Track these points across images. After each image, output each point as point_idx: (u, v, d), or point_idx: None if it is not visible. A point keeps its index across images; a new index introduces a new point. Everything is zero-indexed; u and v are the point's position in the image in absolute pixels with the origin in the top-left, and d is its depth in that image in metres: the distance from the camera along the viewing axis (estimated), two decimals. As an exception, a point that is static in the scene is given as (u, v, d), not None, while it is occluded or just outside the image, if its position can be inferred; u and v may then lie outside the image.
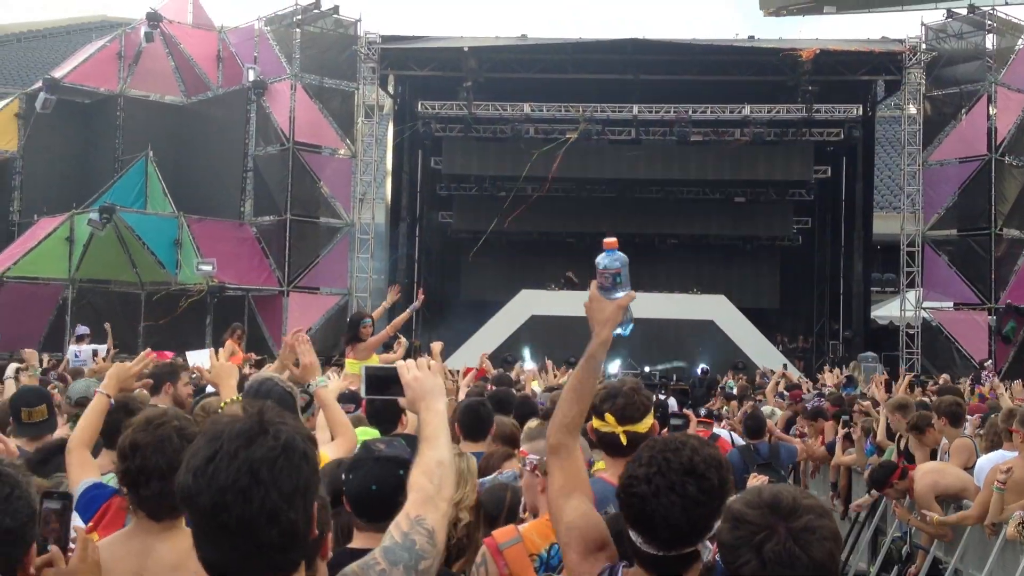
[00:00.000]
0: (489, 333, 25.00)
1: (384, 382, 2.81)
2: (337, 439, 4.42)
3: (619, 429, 3.82)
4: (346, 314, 24.97)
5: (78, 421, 4.19)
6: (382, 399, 3.46)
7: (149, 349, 5.06)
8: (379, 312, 10.16)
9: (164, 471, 2.92)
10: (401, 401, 2.75)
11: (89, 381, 6.01)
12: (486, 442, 5.16)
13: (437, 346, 9.62)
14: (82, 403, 5.41)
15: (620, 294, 2.87)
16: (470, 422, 5.26)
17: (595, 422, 3.83)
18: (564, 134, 27.82)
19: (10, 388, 7.63)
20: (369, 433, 4.83)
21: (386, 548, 2.27)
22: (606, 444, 3.91)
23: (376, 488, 3.06)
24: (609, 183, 29.08)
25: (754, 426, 9.44)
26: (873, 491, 8.60)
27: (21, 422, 5.01)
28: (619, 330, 2.90)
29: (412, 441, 3.57)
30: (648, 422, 3.89)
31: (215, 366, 4.64)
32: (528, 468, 3.73)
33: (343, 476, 3.17)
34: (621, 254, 2.88)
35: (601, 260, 2.87)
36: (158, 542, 2.95)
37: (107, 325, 12.94)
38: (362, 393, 3.03)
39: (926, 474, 7.94)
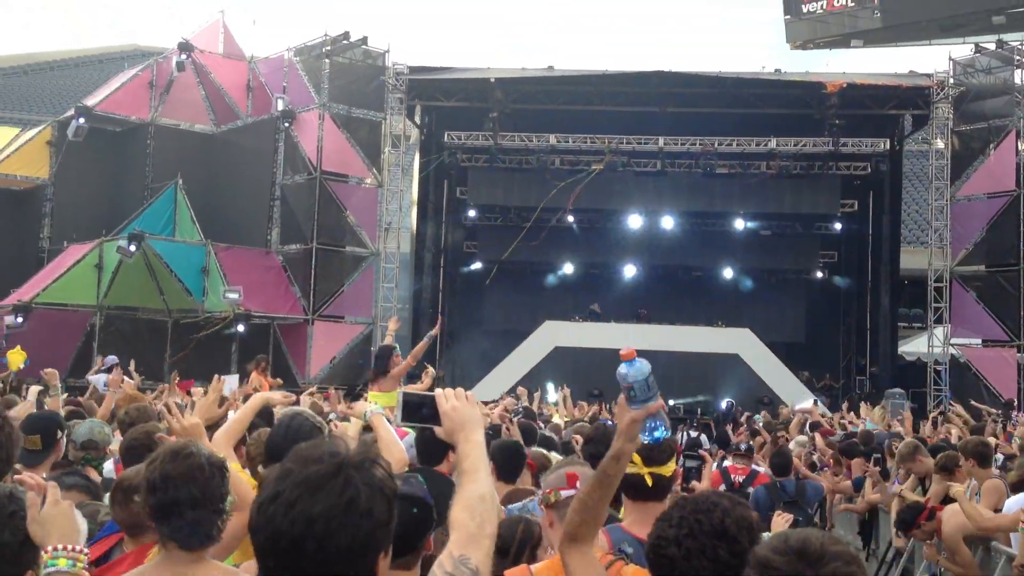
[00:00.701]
0: (512, 364, 24.98)
1: (421, 409, 2.74)
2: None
3: (644, 470, 3.81)
4: (370, 343, 25.05)
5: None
6: (421, 427, 3.39)
7: (218, 376, 5.11)
8: (387, 341, 10.12)
9: (198, 500, 2.97)
10: (437, 430, 2.71)
11: (93, 423, 6.00)
12: (519, 481, 5.13)
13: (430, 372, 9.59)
14: (88, 446, 5.43)
15: (640, 406, 2.77)
16: (504, 461, 5.24)
17: None
18: (590, 165, 27.92)
19: (28, 411, 7.66)
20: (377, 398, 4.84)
21: None
22: (629, 486, 3.90)
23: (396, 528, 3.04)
24: (634, 215, 29.06)
25: (780, 463, 9.39)
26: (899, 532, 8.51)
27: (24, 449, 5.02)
28: (645, 438, 2.85)
29: (431, 476, 3.56)
30: (672, 466, 3.87)
31: (182, 424, 4.53)
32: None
33: None
34: (640, 364, 2.77)
35: (619, 372, 2.77)
36: (188, 572, 2.95)
37: (132, 365, 12.99)
38: (397, 419, 2.97)
39: (954, 515, 7.83)
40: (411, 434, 5.65)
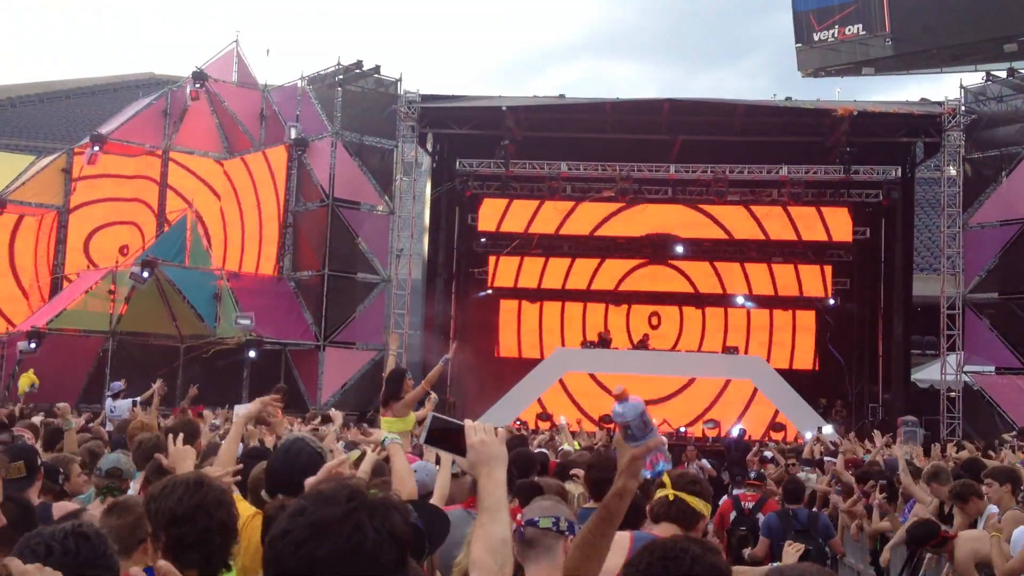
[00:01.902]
0: (524, 391, 24.93)
1: (448, 435, 2.71)
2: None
3: (671, 492, 3.86)
4: (381, 369, 25.03)
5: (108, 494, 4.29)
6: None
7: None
8: (390, 364, 10.01)
9: (227, 527, 3.06)
10: (460, 461, 2.69)
11: (120, 454, 6.03)
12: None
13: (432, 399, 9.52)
14: (112, 474, 5.46)
15: (640, 443, 2.75)
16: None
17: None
18: (601, 193, 27.99)
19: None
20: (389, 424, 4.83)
21: None
22: (655, 513, 3.95)
23: None
24: (645, 242, 29.08)
25: (794, 491, 9.33)
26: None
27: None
28: (648, 474, 2.83)
29: (422, 506, 3.55)
30: (701, 505, 3.91)
31: (172, 452, 4.62)
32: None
33: None
34: (634, 403, 2.74)
35: (614, 411, 2.77)
36: None
37: (156, 384, 13.00)
38: (421, 439, 2.95)
39: (967, 542, 7.73)
40: (419, 461, 5.64)
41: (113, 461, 5.64)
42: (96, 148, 26.04)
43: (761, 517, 9.55)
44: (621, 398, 2.73)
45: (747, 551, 9.35)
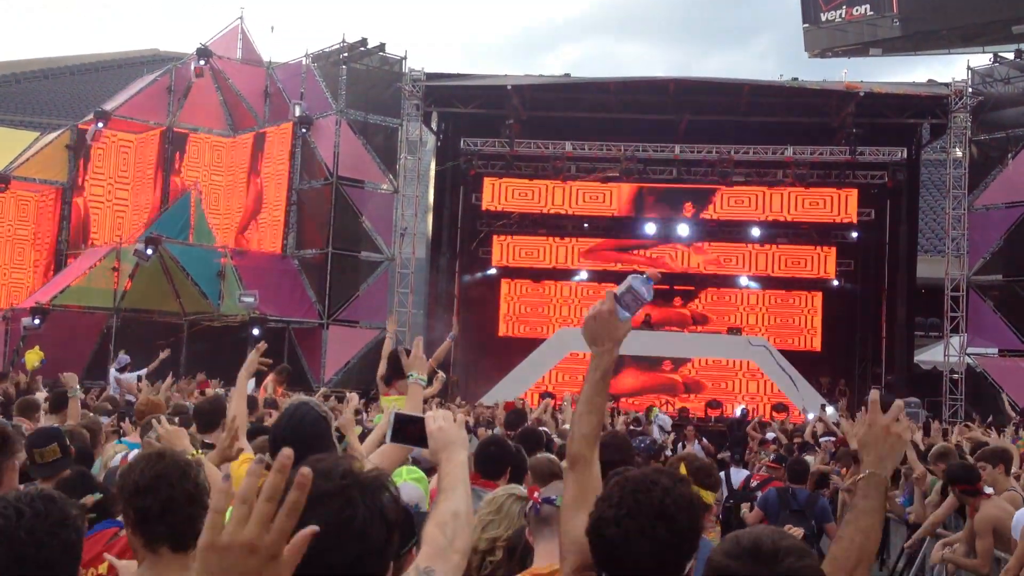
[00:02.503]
0: (526, 370, 24.97)
1: (411, 430, 2.80)
2: (382, 452, 4.45)
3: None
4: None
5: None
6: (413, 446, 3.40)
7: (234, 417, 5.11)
8: (387, 345, 9.94)
9: (192, 497, 3.00)
10: (424, 452, 2.75)
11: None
12: (502, 480, 5.12)
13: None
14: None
15: (631, 316, 2.85)
16: (483, 462, 5.23)
17: None
18: (605, 172, 27.94)
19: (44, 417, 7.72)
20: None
21: None
22: None
23: None
24: (650, 222, 29.06)
25: (797, 470, 9.39)
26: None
27: (35, 463, 5.03)
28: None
29: None
30: (709, 497, 3.96)
31: (163, 433, 4.62)
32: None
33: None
34: (649, 287, 2.86)
35: (637, 284, 2.83)
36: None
37: (163, 353, 13.03)
38: (387, 438, 3.01)
39: (994, 507, 7.69)
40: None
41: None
42: (100, 125, 26.03)
43: (759, 495, 9.60)
44: (654, 278, 2.86)
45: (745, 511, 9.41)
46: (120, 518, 4.07)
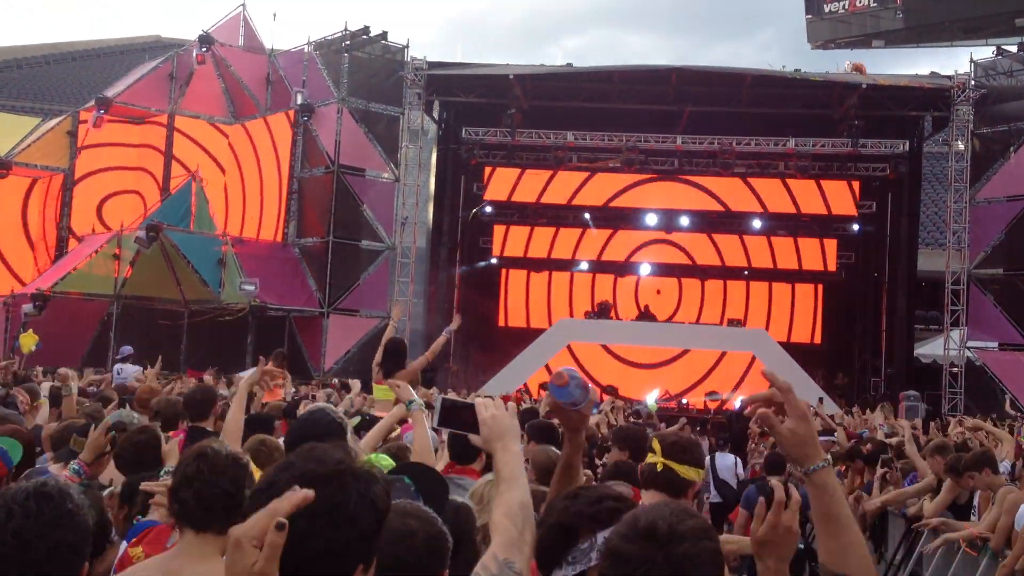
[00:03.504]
0: (526, 360, 24.98)
1: (459, 415, 2.77)
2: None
3: (660, 460, 3.87)
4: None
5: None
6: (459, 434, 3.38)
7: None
8: (388, 333, 9.92)
9: (203, 474, 3.07)
10: (474, 438, 2.73)
11: (124, 412, 6.08)
12: (477, 464, 5.10)
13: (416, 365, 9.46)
14: (118, 428, 5.51)
15: (581, 404, 2.85)
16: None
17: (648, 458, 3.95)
18: (607, 163, 27.91)
19: (44, 409, 7.73)
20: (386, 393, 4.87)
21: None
22: (644, 479, 3.97)
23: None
24: (651, 213, 29.05)
25: (774, 462, 9.49)
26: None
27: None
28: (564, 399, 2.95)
29: (424, 474, 3.58)
30: (692, 474, 3.91)
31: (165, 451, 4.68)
32: None
33: None
34: (573, 383, 2.84)
35: (559, 396, 2.83)
36: (190, 565, 2.95)
37: (159, 361, 13.08)
38: (434, 423, 2.99)
39: (1017, 496, 7.72)
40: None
41: (118, 416, 5.67)
42: (101, 111, 25.98)
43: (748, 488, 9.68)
44: (563, 384, 2.82)
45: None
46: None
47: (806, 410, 2.41)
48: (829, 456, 2.40)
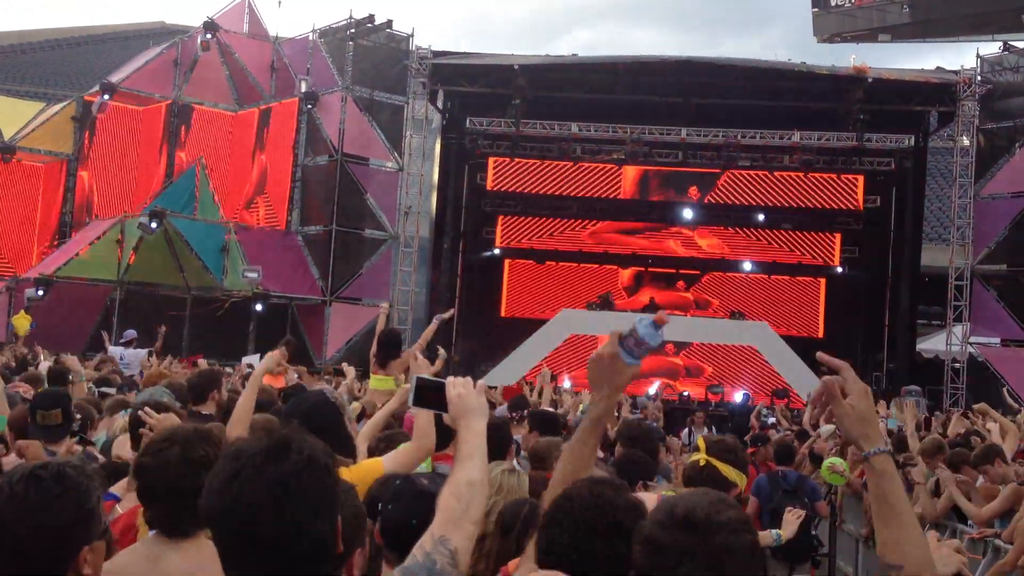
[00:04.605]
0: (528, 351, 24.98)
1: (431, 394, 2.76)
2: (411, 444, 4.46)
3: (703, 457, 3.84)
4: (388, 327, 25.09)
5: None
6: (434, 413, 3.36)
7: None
8: (380, 323, 10.05)
9: (165, 495, 2.97)
10: (445, 417, 2.74)
11: (155, 390, 6.09)
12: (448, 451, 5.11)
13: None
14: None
15: (637, 363, 2.68)
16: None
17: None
18: (611, 155, 27.86)
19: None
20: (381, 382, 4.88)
21: (405, 568, 2.25)
22: (685, 477, 3.95)
23: (416, 524, 2.85)
24: (654, 206, 29.02)
25: (783, 453, 9.50)
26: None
27: (37, 424, 5.11)
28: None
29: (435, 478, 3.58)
30: (734, 475, 3.84)
31: (154, 423, 4.58)
32: None
33: (381, 506, 3.08)
34: (661, 333, 2.64)
35: (646, 332, 2.63)
36: (171, 551, 2.94)
37: (162, 329, 13.13)
38: (410, 402, 2.99)
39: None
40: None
41: (146, 397, 5.66)
42: (106, 96, 25.96)
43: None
44: (660, 323, 2.65)
45: None
46: (114, 490, 4.10)
47: (866, 387, 2.34)
48: (889, 441, 2.35)
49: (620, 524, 2.29)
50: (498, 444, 5.21)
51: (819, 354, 2.41)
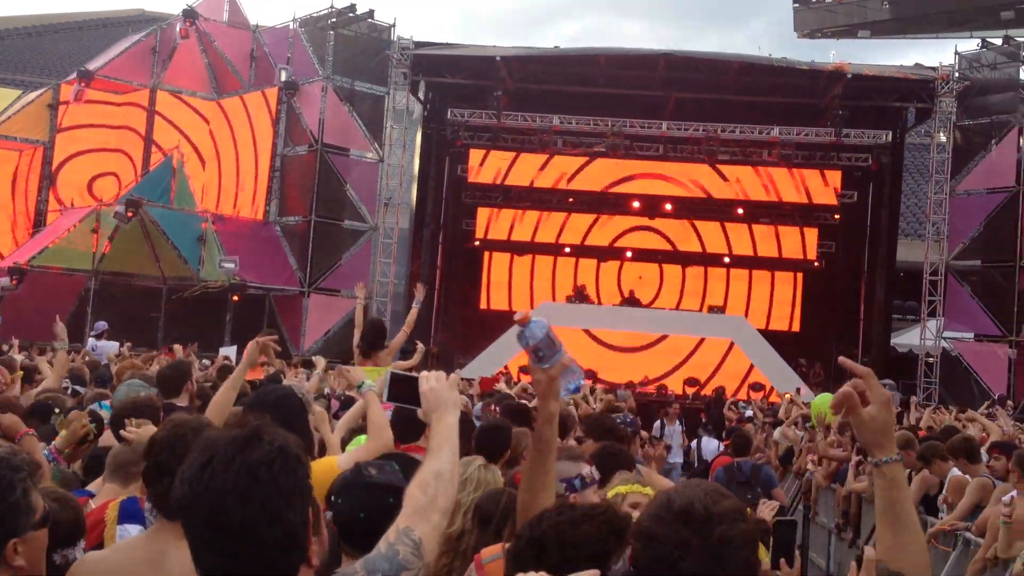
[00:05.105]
0: (507, 343, 24.96)
1: (405, 389, 2.78)
2: (369, 441, 4.47)
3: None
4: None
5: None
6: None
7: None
8: (358, 312, 10.08)
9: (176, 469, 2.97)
10: (419, 411, 2.75)
11: (131, 384, 6.05)
12: (423, 441, 5.11)
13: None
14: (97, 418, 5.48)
15: (552, 362, 2.75)
16: (397, 424, 5.18)
17: None
18: (592, 147, 27.88)
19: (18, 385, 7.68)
20: (369, 373, 4.89)
21: (368, 559, 2.25)
22: None
23: (364, 516, 2.93)
24: (634, 199, 29.07)
25: (740, 443, 9.63)
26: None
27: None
28: (565, 394, 2.84)
29: (407, 463, 3.58)
30: (763, 554, 3.68)
31: (133, 437, 4.49)
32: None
33: (330, 498, 3.07)
34: (537, 323, 2.73)
35: (519, 337, 2.74)
36: (173, 548, 2.89)
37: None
38: (384, 397, 3.00)
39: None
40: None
41: (126, 392, 5.65)
42: (83, 84, 25.73)
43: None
44: (523, 322, 2.73)
45: None
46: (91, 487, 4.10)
47: (889, 397, 2.35)
48: (900, 452, 2.35)
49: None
50: (499, 446, 5.21)
51: (841, 359, 2.52)
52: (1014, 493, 7.04)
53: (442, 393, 2.67)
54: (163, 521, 3.01)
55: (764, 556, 3.45)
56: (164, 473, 2.99)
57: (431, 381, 2.70)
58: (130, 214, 22.19)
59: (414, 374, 2.81)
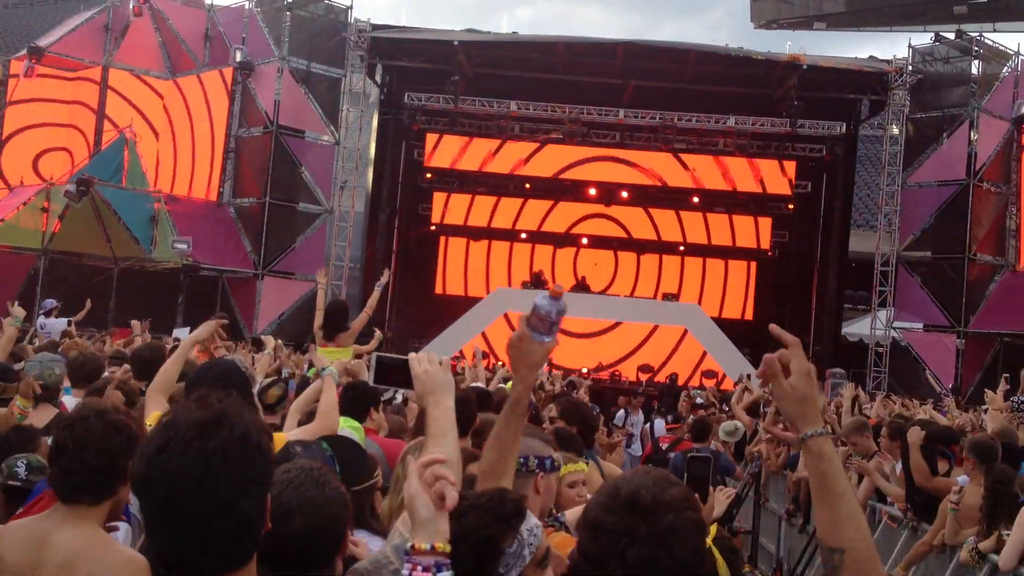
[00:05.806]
0: (461, 328, 24.97)
1: (393, 372, 2.77)
2: (316, 421, 4.46)
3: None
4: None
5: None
6: (391, 387, 3.34)
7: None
8: (320, 297, 9.97)
9: (68, 449, 2.96)
10: (409, 394, 2.72)
11: (43, 357, 5.93)
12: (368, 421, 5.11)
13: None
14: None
15: (548, 339, 2.73)
16: (349, 400, 5.16)
17: None
18: (548, 134, 27.89)
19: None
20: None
21: (397, 546, 2.22)
22: None
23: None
24: (590, 186, 29.14)
25: (699, 429, 9.73)
26: None
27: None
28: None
29: (338, 443, 3.55)
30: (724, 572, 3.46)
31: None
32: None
33: None
34: (563, 304, 2.72)
35: (544, 305, 2.69)
36: (57, 532, 2.89)
37: (87, 303, 12.89)
38: (370, 380, 2.96)
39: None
40: None
41: (39, 362, 5.55)
42: (33, 61, 25.22)
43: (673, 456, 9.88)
44: (558, 295, 2.71)
45: None
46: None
47: (810, 368, 2.27)
48: (828, 424, 2.28)
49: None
50: (463, 420, 5.20)
51: (772, 326, 2.39)
52: (965, 478, 7.16)
53: (437, 376, 2.64)
54: (58, 504, 2.97)
55: (724, 572, 3.38)
56: (61, 454, 2.97)
57: (424, 363, 2.67)
58: (81, 193, 21.82)
59: (403, 356, 2.79)
